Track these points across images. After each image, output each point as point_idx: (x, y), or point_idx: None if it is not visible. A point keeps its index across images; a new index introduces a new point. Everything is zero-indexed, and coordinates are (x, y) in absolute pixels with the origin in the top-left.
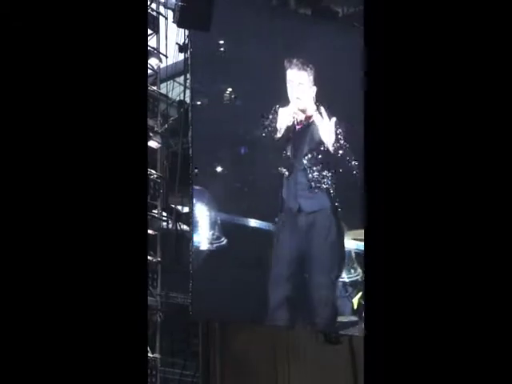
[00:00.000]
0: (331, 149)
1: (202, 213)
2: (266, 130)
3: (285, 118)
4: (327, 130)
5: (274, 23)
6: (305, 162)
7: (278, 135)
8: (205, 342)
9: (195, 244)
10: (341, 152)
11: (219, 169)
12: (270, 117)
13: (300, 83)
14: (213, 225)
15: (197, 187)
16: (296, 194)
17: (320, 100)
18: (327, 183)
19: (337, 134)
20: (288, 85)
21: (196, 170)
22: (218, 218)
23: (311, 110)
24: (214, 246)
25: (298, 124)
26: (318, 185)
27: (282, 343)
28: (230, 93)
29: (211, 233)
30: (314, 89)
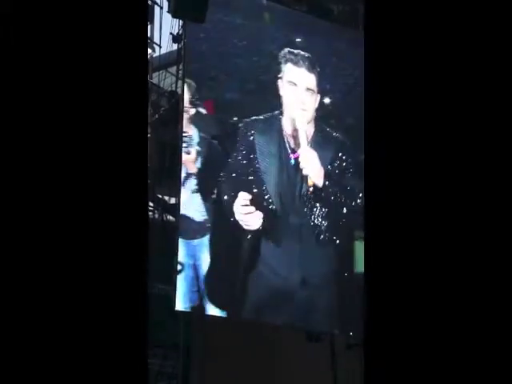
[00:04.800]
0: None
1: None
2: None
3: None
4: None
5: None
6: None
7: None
8: (186, 333)
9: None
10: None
11: None
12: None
13: (308, 88)
14: None
15: None
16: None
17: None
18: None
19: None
20: (285, 88)
21: None
22: None
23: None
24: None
25: (292, 152)
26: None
27: (264, 338)
28: None
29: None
30: (318, 99)
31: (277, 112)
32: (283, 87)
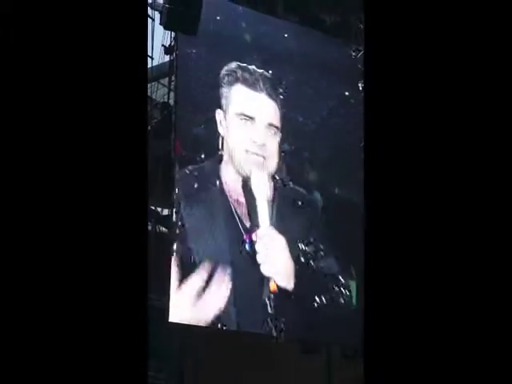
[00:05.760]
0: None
1: None
2: None
3: None
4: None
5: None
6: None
7: None
8: (179, 346)
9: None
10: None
11: None
12: None
13: (271, 124)
14: None
15: None
16: None
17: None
18: None
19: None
20: (231, 124)
21: None
22: None
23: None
24: None
25: (245, 231)
26: None
27: (259, 349)
28: None
29: None
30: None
31: (212, 161)
32: (227, 122)
